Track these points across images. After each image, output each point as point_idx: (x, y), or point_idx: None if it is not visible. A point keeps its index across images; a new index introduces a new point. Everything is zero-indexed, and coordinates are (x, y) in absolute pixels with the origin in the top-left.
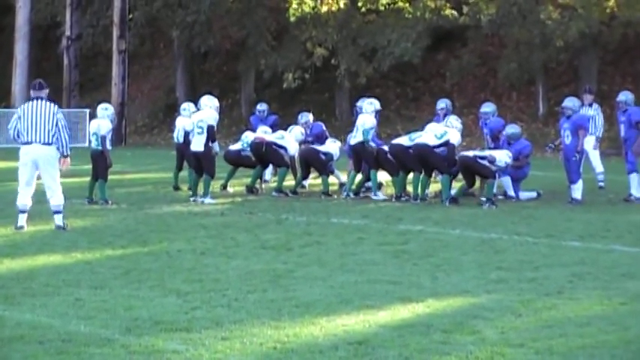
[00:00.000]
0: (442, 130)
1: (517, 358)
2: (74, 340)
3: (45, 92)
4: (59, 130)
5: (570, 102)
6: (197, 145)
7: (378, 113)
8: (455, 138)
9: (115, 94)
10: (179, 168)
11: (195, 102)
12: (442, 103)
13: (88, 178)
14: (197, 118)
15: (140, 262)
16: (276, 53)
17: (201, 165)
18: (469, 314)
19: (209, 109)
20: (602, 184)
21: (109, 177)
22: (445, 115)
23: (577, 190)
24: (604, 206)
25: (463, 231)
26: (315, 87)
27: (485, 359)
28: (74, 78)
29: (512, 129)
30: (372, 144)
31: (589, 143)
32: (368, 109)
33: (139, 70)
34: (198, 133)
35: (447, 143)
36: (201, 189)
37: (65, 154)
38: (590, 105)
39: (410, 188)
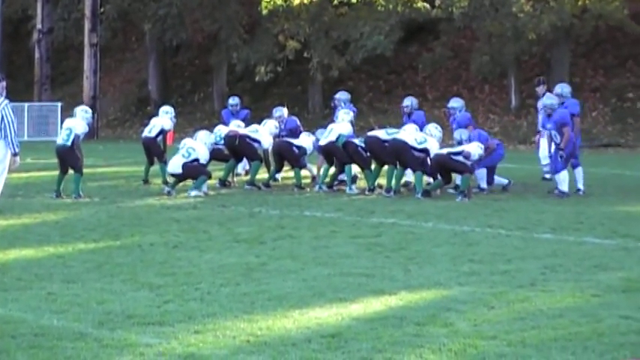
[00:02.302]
0: (422, 137)
1: (490, 350)
2: (47, 335)
3: None
4: (6, 126)
5: (549, 100)
6: (175, 167)
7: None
8: (434, 147)
9: (87, 88)
10: (150, 162)
11: (168, 97)
12: (407, 101)
13: (58, 172)
14: (190, 144)
15: (113, 256)
16: (249, 46)
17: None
18: (442, 307)
19: (202, 143)
20: (547, 175)
21: (83, 171)
22: (410, 114)
23: (563, 182)
24: (576, 198)
25: (436, 224)
26: (288, 80)
27: (458, 351)
28: (46, 72)
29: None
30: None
31: (542, 134)
32: (345, 119)
33: (111, 63)
34: (183, 155)
35: (425, 150)
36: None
37: (13, 152)
38: (544, 96)
39: (382, 181)
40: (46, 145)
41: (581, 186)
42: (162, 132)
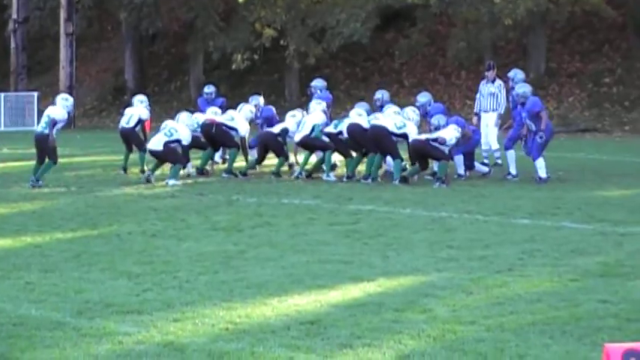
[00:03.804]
0: (401, 122)
1: (468, 336)
2: (25, 324)
3: None
4: None
5: (522, 89)
6: (156, 144)
7: (327, 108)
8: (413, 132)
9: (63, 77)
10: (129, 150)
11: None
12: (378, 94)
13: (34, 162)
14: (172, 125)
15: (90, 245)
16: (225, 34)
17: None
18: (420, 293)
19: (183, 125)
20: (499, 161)
21: (60, 160)
22: (381, 107)
23: (541, 169)
24: (554, 184)
25: (414, 210)
26: (264, 68)
27: (436, 337)
28: (22, 61)
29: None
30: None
31: (491, 120)
32: (317, 109)
33: (87, 52)
34: (165, 134)
35: (404, 135)
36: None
37: None
38: (493, 81)
39: (362, 167)
40: (22, 135)
41: (513, 170)
42: (140, 122)
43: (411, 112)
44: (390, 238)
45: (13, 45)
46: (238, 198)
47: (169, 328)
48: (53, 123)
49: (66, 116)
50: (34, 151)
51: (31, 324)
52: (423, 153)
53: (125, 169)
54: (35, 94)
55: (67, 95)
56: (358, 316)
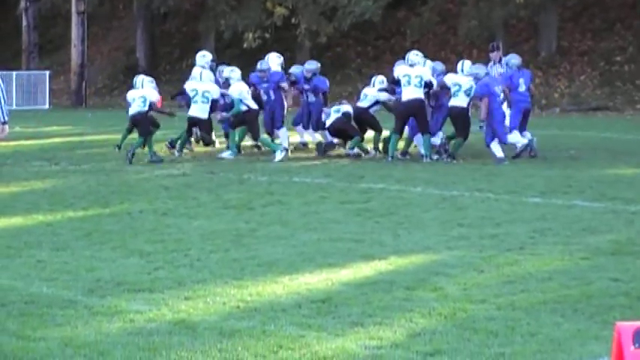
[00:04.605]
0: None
1: (479, 314)
2: (37, 302)
3: None
4: None
5: (475, 69)
6: (199, 111)
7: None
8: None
9: (75, 56)
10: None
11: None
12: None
13: (47, 140)
14: (202, 88)
15: (102, 224)
16: (236, 13)
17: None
18: (431, 271)
19: (209, 82)
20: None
21: (72, 139)
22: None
23: (497, 151)
24: (566, 162)
25: (425, 189)
26: (276, 47)
27: (447, 315)
28: (33, 40)
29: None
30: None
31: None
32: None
33: (99, 31)
34: (202, 102)
35: (377, 102)
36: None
37: (3, 120)
38: (500, 61)
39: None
40: (34, 113)
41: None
42: (152, 104)
43: (379, 84)
44: (401, 216)
45: (24, 23)
46: (250, 177)
47: (181, 306)
48: (152, 104)
49: (158, 96)
50: (45, 129)
51: (43, 302)
52: (362, 120)
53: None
54: (47, 72)
55: (148, 77)
56: (369, 295)
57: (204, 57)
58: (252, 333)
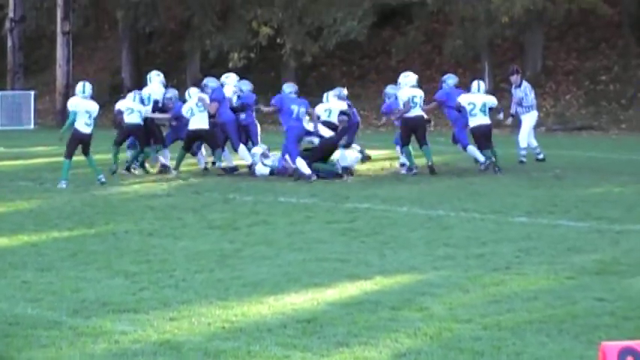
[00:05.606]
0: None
1: (465, 334)
2: (21, 323)
3: None
4: None
5: (450, 80)
6: (200, 122)
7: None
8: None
9: (60, 76)
10: (119, 143)
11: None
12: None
13: (32, 160)
14: (200, 95)
15: (87, 244)
16: (222, 33)
17: (204, 141)
18: (417, 291)
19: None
20: (524, 159)
21: (57, 159)
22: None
23: (478, 155)
24: (551, 181)
25: (410, 208)
26: (261, 66)
27: (433, 335)
28: (18, 60)
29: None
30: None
31: (526, 120)
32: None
33: (84, 51)
34: (200, 111)
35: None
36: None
37: None
38: (519, 85)
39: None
40: (19, 133)
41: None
42: (156, 103)
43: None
44: (387, 236)
45: (9, 44)
46: (235, 196)
47: (166, 326)
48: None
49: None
50: (30, 149)
51: (27, 323)
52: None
53: (129, 169)
54: (32, 92)
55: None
56: (355, 315)
57: (158, 75)
58: (237, 354)
